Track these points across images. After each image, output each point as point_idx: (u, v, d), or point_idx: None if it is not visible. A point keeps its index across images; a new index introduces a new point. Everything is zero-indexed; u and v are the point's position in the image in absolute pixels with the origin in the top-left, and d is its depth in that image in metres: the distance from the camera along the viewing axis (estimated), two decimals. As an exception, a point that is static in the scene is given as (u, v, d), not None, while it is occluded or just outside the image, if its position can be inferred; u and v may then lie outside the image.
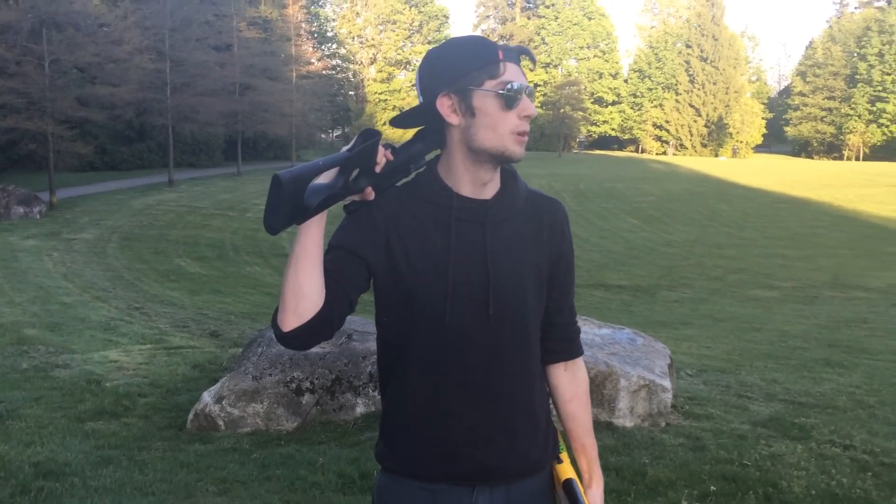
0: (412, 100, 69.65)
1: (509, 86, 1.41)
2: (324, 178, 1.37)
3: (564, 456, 1.59)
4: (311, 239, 1.37)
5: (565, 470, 1.55)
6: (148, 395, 5.97)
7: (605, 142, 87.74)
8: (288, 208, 1.29)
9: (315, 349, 5.41)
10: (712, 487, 3.68)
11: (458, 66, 1.44)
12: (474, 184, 1.48)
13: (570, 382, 1.62)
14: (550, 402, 1.64)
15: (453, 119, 1.46)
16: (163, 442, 4.77)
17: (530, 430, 1.51)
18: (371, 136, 1.39)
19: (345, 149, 1.38)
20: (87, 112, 26.92)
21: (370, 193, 1.43)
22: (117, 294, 13.44)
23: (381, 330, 1.54)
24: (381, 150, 1.42)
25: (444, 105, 1.46)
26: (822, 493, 3.62)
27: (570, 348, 1.62)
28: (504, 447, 1.47)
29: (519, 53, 1.47)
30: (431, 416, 1.47)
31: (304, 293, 1.35)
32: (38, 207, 24.28)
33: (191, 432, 5.02)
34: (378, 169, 1.42)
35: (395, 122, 1.57)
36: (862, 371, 6.98)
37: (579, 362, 1.64)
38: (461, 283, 1.43)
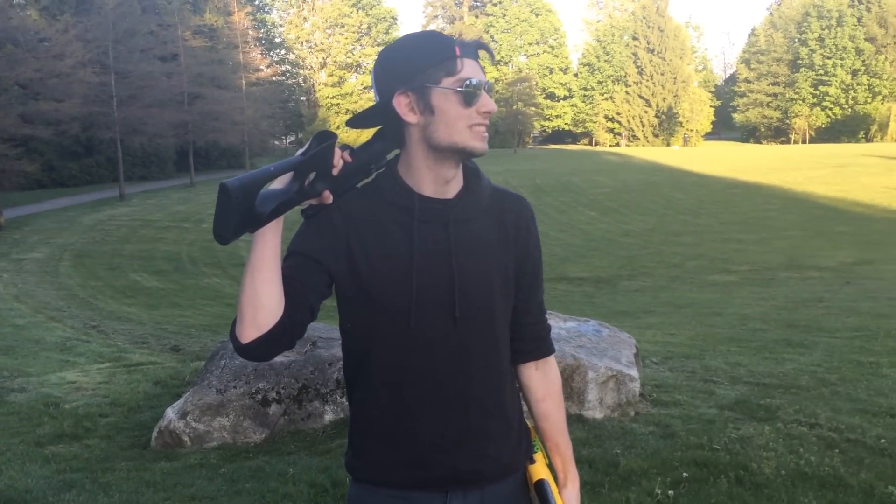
0: (365, 103, 69.33)
1: (468, 82, 1.38)
2: (277, 184, 1.32)
3: (538, 456, 1.56)
4: (268, 247, 1.32)
5: (537, 470, 1.53)
6: (109, 414, 5.81)
7: (558, 136, 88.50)
8: (238, 217, 1.24)
9: (279, 358, 5.32)
10: (684, 474, 3.70)
11: (413, 64, 1.40)
12: (436, 182, 1.44)
13: (541, 381, 1.59)
14: (522, 401, 1.61)
15: (411, 118, 1.42)
16: (127, 462, 4.65)
17: (502, 433, 1.48)
18: (326, 139, 1.34)
19: (299, 153, 1.33)
20: (32, 129, 26.25)
21: (328, 197, 1.38)
22: (72, 313, 13.10)
23: (345, 337, 1.49)
24: (337, 152, 1.37)
25: (402, 104, 1.42)
26: (792, 472, 3.67)
27: (540, 347, 1.59)
28: (476, 451, 1.45)
29: (476, 48, 1.44)
30: (400, 423, 1.43)
31: (263, 303, 1.31)
32: (-15, 228, 23.58)
33: (156, 450, 4.90)
34: (335, 172, 1.37)
35: (352, 123, 1.53)
36: (821, 349, 7.12)
37: (551, 361, 1.61)
38: (426, 286, 1.40)
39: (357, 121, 1.50)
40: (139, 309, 14.16)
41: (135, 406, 6.00)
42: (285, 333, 1.34)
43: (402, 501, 1.45)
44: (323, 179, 1.36)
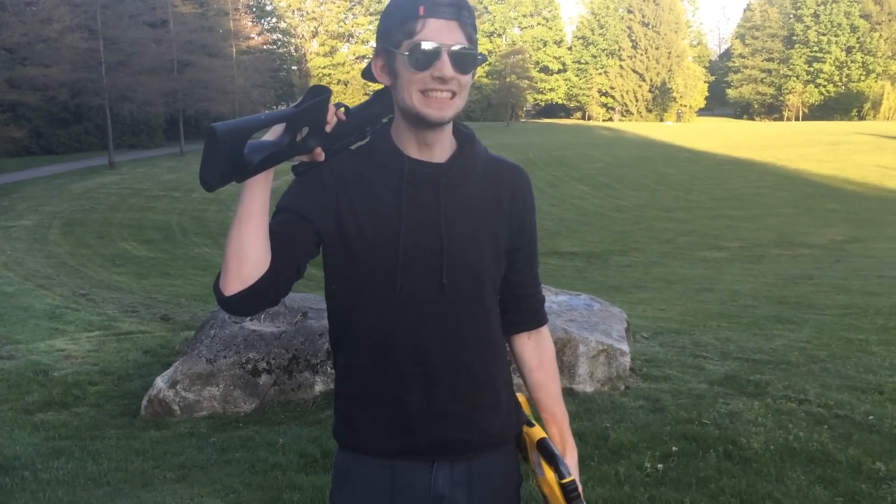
0: (356, 73, 68.70)
1: (422, 46, 1.33)
2: (269, 135, 1.30)
3: (536, 423, 1.55)
4: (256, 199, 1.31)
5: (537, 431, 1.51)
6: (98, 383, 5.79)
7: (552, 110, 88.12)
8: (225, 163, 1.22)
9: (270, 328, 5.30)
10: (673, 448, 3.71)
11: (385, 24, 1.40)
12: (419, 146, 1.41)
13: (534, 350, 1.57)
14: (516, 373, 1.59)
15: (384, 80, 1.42)
16: (116, 430, 4.64)
17: (490, 403, 1.46)
18: (320, 93, 1.32)
19: (292, 105, 1.31)
20: (19, 94, 25.96)
21: (319, 154, 1.38)
22: (61, 281, 13.03)
23: (329, 300, 1.47)
24: (331, 108, 1.35)
25: (377, 66, 1.43)
26: (781, 447, 3.69)
27: (534, 318, 1.58)
28: (462, 420, 1.42)
29: (450, 6, 1.35)
30: (385, 390, 1.41)
31: (248, 256, 1.30)
32: (-28, 195, 23.36)
33: (145, 419, 4.89)
34: (328, 128, 1.36)
35: (365, 75, 1.50)
36: (811, 326, 7.15)
37: (544, 331, 1.60)
38: (413, 250, 1.37)
39: (367, 73, 1.48)
40: (129, 278, 14.09)
41: (124, 375, 5.98)
42: (270, 288, 1.32)
43: (388, 470, 1.44)
44: (315, 135, 1.34)
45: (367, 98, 1.48)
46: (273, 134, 1.31)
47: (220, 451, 4.08)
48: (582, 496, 1.44)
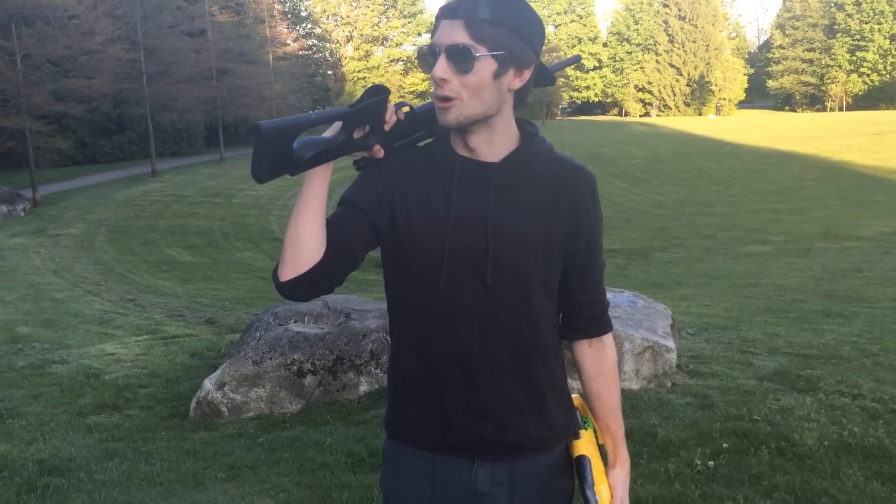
0: (391, 76, 69.02)
1: (421, 49, 1.35)
2: (328, 133, 1.34)
3: (586, 433, 1.51)
4: (314, 192, 1.36)
5: (579, 446, 1.48)
6: (148, 385, 5.90)
7: (588, 107, 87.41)
8: (271, 158, 1.27)
9: (314, 330, 5.35)
10: (724, 445, 3.65)
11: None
12: (464, 147, 1.40)
13: (594, 360, 1.51)
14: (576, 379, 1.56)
15: None
16: (167, 431, 4.72)
17: (532, 408, 1.43)
18: (379, 93, 1.34)
19: (348, 105, 1.34)
20: (64, 106, 26.57)
21: (378, 151, 1.39)
22: (109, 287, 13.32)
23: (386, 290, 1.50)
24: (390, 108, 1.37)
25: None
26: (835, 443, 3.60)
27: (593, 326, 1.51)
28: (501, 421, 1.41)
29: (459, 4, 1.31)
30: (426, 384, 1.42)
31: (303, 245, 1.34)
32: (22, 205, 24.01)
33: (194, 420, 4.97)
34: (387, 127, 1.37)
35: None
36: (862, 320, 6.99)
37: (606, 339, 1.53)
38: (459, 249, 1.37)
39: None
40: (174, 283, 14.35)
41: (173, 377, 6.09)
42: (322, 277, 1.36)
43: (430, 463, 1.44)
44: (375, 134, 1.37)
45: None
46: (331, 131, 1.34)
47: (268, 451, 4.13)
48: None
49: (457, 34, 1.30)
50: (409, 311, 1.43)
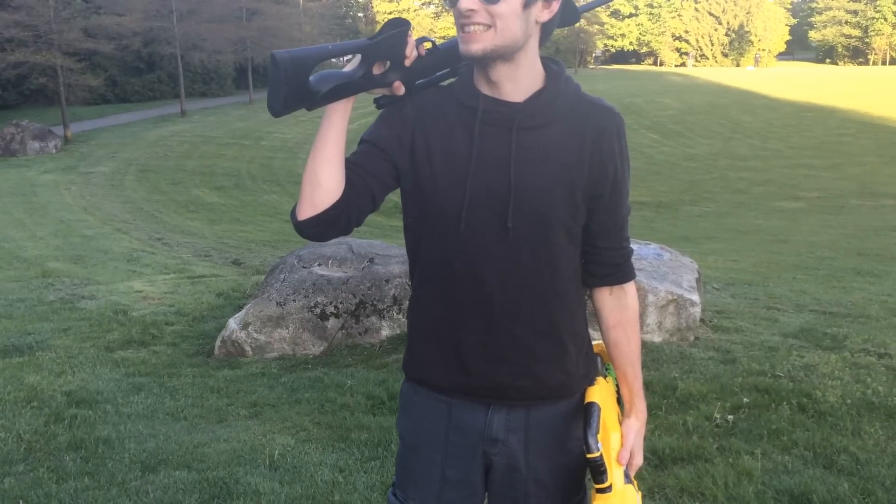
0: (422, 19, 67.99)
1: None
2: (348, 67, 1.29)
3: (602, 380, 1.48)
4: (333, 128, 1.33)
5: (591, 393, 1.45)
6: (174, 323, 6.00)
7: (622, 56, 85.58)
8: (287, 90, 1.23)
9: (337, 273, 5.37)
10: (745, 399, 3.63)
11: None
12: (488, 83, 1.35)
13: (614, 308, 1.48)
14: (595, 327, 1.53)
15: None
16: (192, 368, 4.80)
17: (553, 354, 1.40)
18: (398, 26, 1.29)
19: (366, 38, 1.29)
20: (95, 43, 26.59)
21: (399, 88, 1.34)
22: (138, 226, 13.48)
23: (405, 232, 1.47)
24: (411, 42, 1.31)
25: None
26: (858, 402, 3.56)
27: (615, 273, 1.47)
28: (518, 367, 1.39)
29: None
30: (445, 327, 1.41)
31: (321, 183, 1.32)
32: (54, 142, 24.26)
33: (219, 358, 5.05)
34: (408, 63, 1.32)
35: None
36: (893, 279, 6.88)
37: (628, 288, 1.49)
38: (480, 191, 1.33)
39: None
40: (201, 223, 14.49)
41: (198, 316, 6.17)
42: (341, 216, 1.35)
43: (445, 406, 1.44)
44: (395, 70, 1.32)
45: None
46: (351, 66, 1.30)
47: (290, 390, 4.18)
48: (609, 471, 1.37)
49: None
50: (428, 255, 1.40)
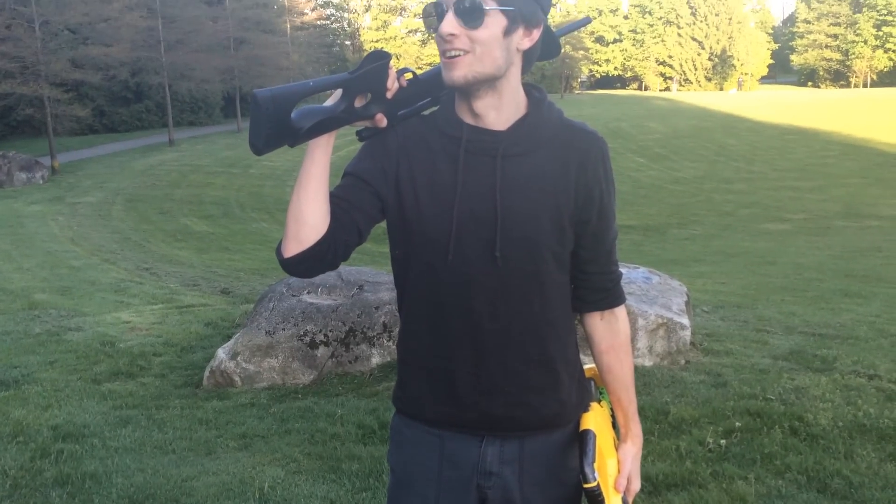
0: (409, 47, 68.60)
1: (427, 6, 1.29)
2: (329, 101, 1.29)
3: (597, 406, 1.47)
4: (315, 164, 1.31)
5: (587, 419, 1.44)
6: (162, 354, 5.94)
7: (607, 81, 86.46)
8: (269, 128, 1.22)
9: (327, 301, 5.35)
10: (737, 423, 3.62)
11: None
12: (470, 113, 1.35)
13: (606, 332, 1.47)
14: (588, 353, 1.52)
15: None
16: (180, 400, 4.75)
17: (547, 384, 1.39)
18: (379, 59, 1.28)
19: (348, 72, 1.28)
20: (82, 74, 26.63)
21: (381, 120, 1.34)
22: (125, 255, 13.41)
23: (392, 263, 1.45)
24: (392, 74, 1.31)
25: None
26: (850, 424, 3.56)
27: (605, 298, 1.46)
28: (511, 397, 1.37)
29: None
30: (436, 360, 1.39)
31: (306, 219, 1.30)
32: (41, 172, 24.17)
33: (207, 389, 4.99)
34: (389, 95, 1.32)
35: None
36: (881, 300, 6.91)
37: (618, 312, 1.49)
38: (467, 221, 1.32)
39: None
40: (190, 252, 14.43)
41: (187, 346, 6.12)
42: (328, 251, 1.33)
43: (437, 439, 1.41)
44: (377, 102, 1.31)
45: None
46: (332, 100, 1.29)
47: (279, 421, 4.14)
48: (606, 500, 1.36)
49: None
50: (417, 286, 1.39)
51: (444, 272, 1.34)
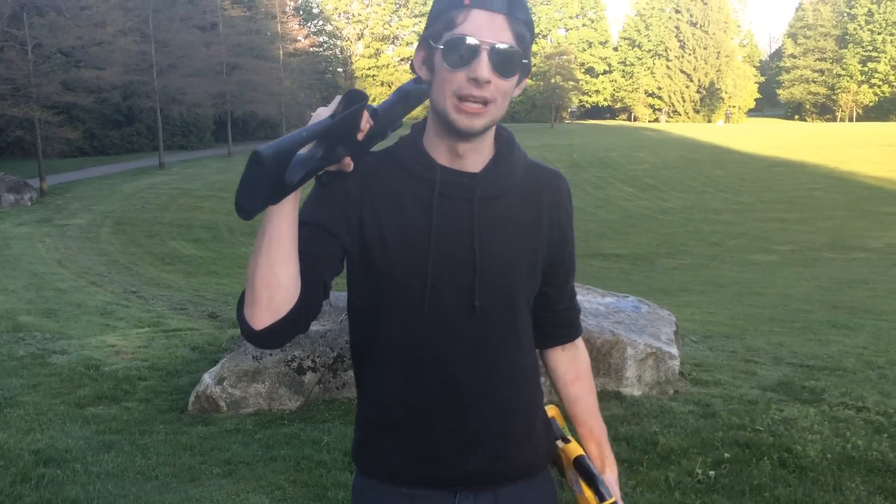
0: (401, 74, 69.11)
1: (458, 40, 1.17)
2: (303, 150, 1.18)
3: (572, 442, 1.46)
4: (285, 220, 1.16)
5: (573, 448, 1.42)
6: (148, 378, 5.88)
7: (597, 112, 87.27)
8: (268, 188, 1.09)
9: (315, 326, 5.32)
10: (726, 454, 3.61)
11: (432, 12, 1.25)
12: (450, 155, 1.27)
13: (570, 364, 1.47)
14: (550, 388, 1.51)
15: (423, 74, 1.27)
16: (165, 425, 4.69)
17: (522, 434, 1.34)
18: (356, 101, 1.17)
19: (327, 115, 1.18)
20: (74, 96, 26.61)
21: (349, 164, 1.22)
22: (113, 278, 13.31)
23: (352, 313, 1.35)
24: (365, 116, 1.20)
25: (418, 58, 1.28)
26: (838, 456, 3.56)
27: (570, 332, 1.47)
28: (490, 451, 1.31)
29: None
30: (409, 416, 1.29)
31: (280, 284, 1.15)
32: (29, 194, 24.04)
33: (193, 414, 4.94)
34: (361, 136, 1.21)
35: (412, 65, 1.38)
36: (868, 331, 6.94)
37: (579, 343, 1.49)
38: (443, 269, 1.25)
39: (413, 64, 1.37)
40: (178, 276, 14.35)
41: (173, 370, 6.06)
42: (301, 317, 1.19)
43: (408, 499, 1.32)
44: (346, 144, 1.20)
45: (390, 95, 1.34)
46: (307, 147, 1.17)
47: (265, 447, 4.10)
48: None
49: (501, 32, 1.18)
50: (388, 340, 1.28)
51: (419, 324, 1.26)
